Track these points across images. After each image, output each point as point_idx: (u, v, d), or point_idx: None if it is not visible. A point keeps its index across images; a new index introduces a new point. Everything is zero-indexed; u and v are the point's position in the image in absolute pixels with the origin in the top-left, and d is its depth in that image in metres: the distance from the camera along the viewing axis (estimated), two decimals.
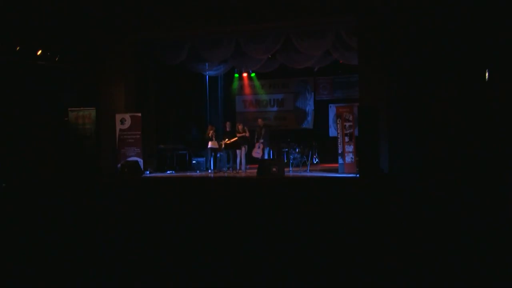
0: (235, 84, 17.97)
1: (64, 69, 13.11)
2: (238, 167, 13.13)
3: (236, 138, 12.92)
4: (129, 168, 12.54)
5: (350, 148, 11.97)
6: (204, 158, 13.99)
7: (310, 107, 17.20)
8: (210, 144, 13.20)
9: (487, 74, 9.70)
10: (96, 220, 6.51)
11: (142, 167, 12.89)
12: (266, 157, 13.23)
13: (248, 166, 13.34)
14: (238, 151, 13.09)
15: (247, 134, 13.12)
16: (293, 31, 12.69)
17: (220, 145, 13.15)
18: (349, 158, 11.97)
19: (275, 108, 17.66)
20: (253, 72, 17.10)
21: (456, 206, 6.78)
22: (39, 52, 12.40)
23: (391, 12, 10.99)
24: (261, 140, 13.13)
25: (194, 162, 14.00)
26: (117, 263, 4.48)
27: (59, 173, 12.38)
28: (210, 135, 13.18)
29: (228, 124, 13.47)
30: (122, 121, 12.95)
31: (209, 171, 13.56)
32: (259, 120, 13.97)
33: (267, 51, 13.47)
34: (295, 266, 4.26)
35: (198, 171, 13.58)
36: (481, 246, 4.57)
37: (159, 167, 13.78)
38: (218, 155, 13.58)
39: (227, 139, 13.01)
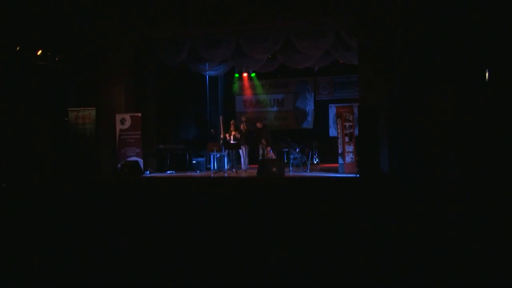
0: (235, 84, 17.98)
1: (64, 69, 13.11)
2: (243, 167, 13.16)
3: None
4: (129, 168, 12.53)
5: (350, 148, 11.97)
6: (204, 158, 13.97)
7: (310, 107, 17.21)
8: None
9: (487, 74, 9.69)
10: (96, 220, 6.51)
11: (142, 167, 12.89)
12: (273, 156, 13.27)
13: (249, 166, 13.35)
14: (241, 151, 13.12)
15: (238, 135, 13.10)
16: (293, 31, 12.69)
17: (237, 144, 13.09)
18: (349, 158, 11.97)
19: (275, 108, 17.67)
20: (253, 72, 17.11)
21: (457, 206, 6.77)
22: (39, 52, 12.40)
23: (391, 12, 10.99)
24: (269, 148, 13.10)
25: (194, 162, 14.00)
26: (117, 263, 4.48)
27: (59, 173, 12.38)
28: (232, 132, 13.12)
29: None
30: (122, 121, 12.95)
31: (225, 169, 13.39)
32: (258, 124, 13.79)
33: (267, 51, 13.46)
34: (295, 265, 4.25)
35: (198, 171, 13.58)
36: (481, 246, 4.56)
37: (159, 167, 13.77)
38: (218, 155, 13.55)
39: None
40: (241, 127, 13.30)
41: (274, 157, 12.98)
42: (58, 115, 13.17)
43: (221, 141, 13.24)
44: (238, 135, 13.00)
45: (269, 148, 13.11)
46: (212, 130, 13.73)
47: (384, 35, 11.19)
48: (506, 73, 9.40)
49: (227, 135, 13.15)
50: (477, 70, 9.81)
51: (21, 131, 11.98)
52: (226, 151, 13.27)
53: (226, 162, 13.47)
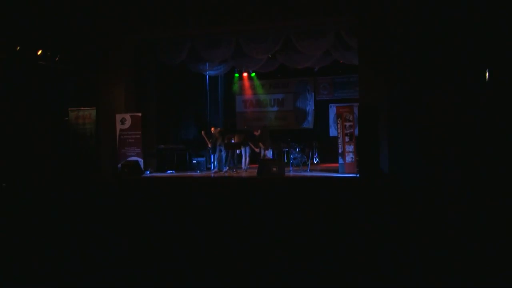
0: (235, 84, 17.98)
1: (64, 69, 13.11)
2: (243, 167, 13.17)
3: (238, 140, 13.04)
4: (129, 168, 12.53)
5: (350, 148, 11.97)
6: (204, 158, 13.98)
7: (310, 107, 17.22)
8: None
9: (487, 74, 9.69)
10: (96, 220, 6.51)
11: (142, 167, 12.89)
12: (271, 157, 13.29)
13: (248, 166, 13.36)
14: (242, 150, 13.13)
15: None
16: (293, 31, 12.69)
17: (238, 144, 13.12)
18: (349, 158, 11.97)
19: (275, 108, 17.67)
20: (253, 72, 17.11)
21: (457, 206, 6.77)
22: (39, 52, 12.40)
23: (391, 12, 10.99)
24: (266, 152, 13.13)
25: (194, 162, 14.00)
26: (117, 263, 4.48)
27: (59, 173, 12.38)
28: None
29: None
30: (123, 121, 12.95)
31: (225, 169, 13.31)
32: (255, 131, 13.76)
33: (267, 51, 13.46)
34: (295, 265, 4.25)
35: (198, 171, 13.58)
36: (481, 246, 4.56)
37: (159, 167, 13.77)
38: (217, 155, 13.53)
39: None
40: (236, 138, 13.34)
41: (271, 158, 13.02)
42: (58, 115, 13.17)
43: (210, 151, 13.40)
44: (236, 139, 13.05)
45: (266, 152, 13.12)
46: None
47: (384, 35, 11.18)
48: (506, 73, 9.40)
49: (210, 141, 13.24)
50: (477, 70, 9.81)
51: (21, 131, 11.98)
52: (223, 151, 13.23)
53: (224, 161, 13.44)
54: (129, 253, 4.81)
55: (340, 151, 12.09)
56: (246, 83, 17.79)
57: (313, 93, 17.19)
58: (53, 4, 12.05)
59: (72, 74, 13.31)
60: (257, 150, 13.19)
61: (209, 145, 13.32)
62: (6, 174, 11.03)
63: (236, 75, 17.71)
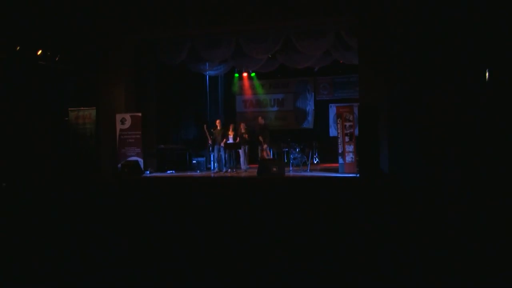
0: (235, 84, 17.98)
1: (64, 69, 13.11)
2: (242, 167, 13.17)
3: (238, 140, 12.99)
4: (129, 168, 12.53)
5: (350, 148, 11.97)
6: (204, 158, 13.98)
7: (310, 107, 17.22)
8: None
9: (487, 74, 9.69)
10: (96, 220, 6.51)
11: (142, 167, 12.89)
12: (271, 152, 13.33)
13: (248, 166, 13.36)
14: (240, 151, 13.14)
15: (246, 136, 13.11)
16: (293, 31, 12.69)
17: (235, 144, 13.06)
18: (349, 158, 11.97)
19: (275, 108, 17.67)
20: (253, 72, 17.11)
21: (457, 206, 6.77)
22: (39, 52, 12.40)
23: (391, 12, 10.99)
24: (265, 146, 13.16)
25: (194, 162, 14.00)
26: (117, 263, 4.48)
27: (59, 173, 12.38)
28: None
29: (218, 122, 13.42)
30: (123, 121, 12.95)
31: (225, 169, 13.32)
32: (259, 118, 13.90)
33: (267, 51, 13.46)
34: (295, 265, 4.25)
35: (198, 171, 13.58)
36: (481, 246, 4.56)
37: (159, 167, 13.77)
38: (217, 155, 13.53)
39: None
40: (242, 128, 13.28)
41: (270, 156, 13.00)
42: (58, 115, 13.17)
43: (210, 148, 13.38)
44: (237, 137, 13.02)
45: (265, 146, 13.12)
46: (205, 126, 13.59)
47: (384, 35, 11.18)
48: (506, 73, 9.40)
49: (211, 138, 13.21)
50: (477, 70, 9.81)
51: (21, 131, 11.98)
52: (222, 151, 13.22)
53: (225, 162, 13.43)
54: (129, 253, 4.81)
55: (340, 151, 12.09)
56: (246, 83, 17.79)
57: (313, 93, 17.20)
58: (53, 4, 12.04)
59: (72, 74, 13.31)
60: (245, 136, 13.09)
61: (210, 141, 13.29)
62: (6, 174, 11.03)
63: (236, 75, 17.71)
